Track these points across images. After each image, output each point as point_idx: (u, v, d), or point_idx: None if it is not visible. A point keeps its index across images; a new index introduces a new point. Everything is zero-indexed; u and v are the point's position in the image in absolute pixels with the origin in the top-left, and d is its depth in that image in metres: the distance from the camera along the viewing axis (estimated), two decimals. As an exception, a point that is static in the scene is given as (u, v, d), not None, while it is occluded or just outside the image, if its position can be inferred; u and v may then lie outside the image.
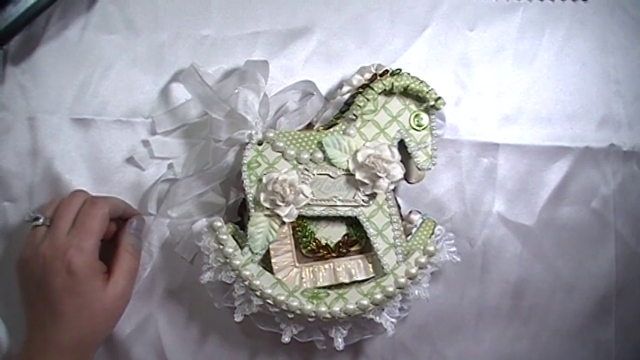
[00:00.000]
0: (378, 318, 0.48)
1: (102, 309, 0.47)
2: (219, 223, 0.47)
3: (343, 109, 0.50)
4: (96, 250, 0.47)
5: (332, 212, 0.48)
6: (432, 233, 0.49)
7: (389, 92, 0.49)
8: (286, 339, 0.48)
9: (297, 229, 0.49)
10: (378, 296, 0.47)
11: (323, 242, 0.50)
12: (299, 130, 0.50)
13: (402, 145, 0.49)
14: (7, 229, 0.52)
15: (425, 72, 0.52)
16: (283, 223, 0.48)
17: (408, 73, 0.49)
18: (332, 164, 0.48)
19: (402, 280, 0.48)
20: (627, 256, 0.57)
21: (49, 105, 0.52)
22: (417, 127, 0.49)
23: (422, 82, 0.49)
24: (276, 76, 0.53)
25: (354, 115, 0.48)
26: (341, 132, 0.49)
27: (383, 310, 0.48)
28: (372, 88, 0.48)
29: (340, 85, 0.50)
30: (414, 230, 0.49)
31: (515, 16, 0.56)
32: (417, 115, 0.49)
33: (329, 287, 0.49)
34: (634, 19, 0.58)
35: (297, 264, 0.49)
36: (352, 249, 0.50)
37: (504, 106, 0.56)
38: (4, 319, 0.53)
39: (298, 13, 0.54)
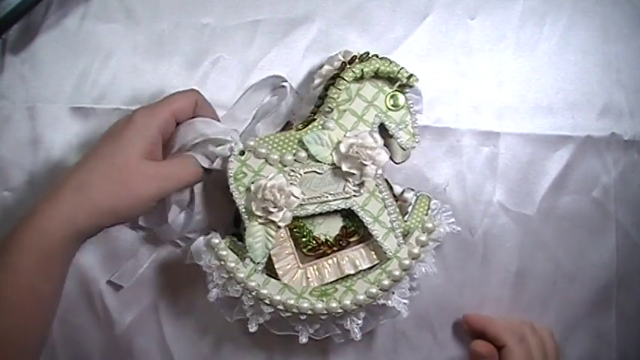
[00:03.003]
0: (390, 302, 0.47)
1: (127, 173, 0.43)
2: (216, 240, 0.46)
3: (318, 103, 0.49)
4: (161, 126, 0.45)
5: (325, 208, 0.48)
6: (429, 208, 0.49)
7: (360, 78, 0.48)
8: (304, 340, 0.48)
9: (295, 230, 0.48)
10: (386, 282, 0.47)
11: (322, 238, 0.49)
12: (278, 133, 0.49)
13: (382, 128, 0.48)
14: (7, 218, 0.52)
15: (426, 60, 0.52)
16: (279, 227, 0.47)
17: (376, 55, 0.48)
18: (317, 161, 0.47)
19: (407, 262, 0.47)
20: (628, 246, 0.57)
21: (49, 94, 0.52)
22: (394, 108, 0.48)
23: (391, 62, 0.48)
24: (276, 64, 0.53)
25: (330, 107, 0.47)
26: (320, 127, 0.48)
27: (393, 293, 0.48)
28: (343, 78, 0.47)
29: (311, 79, 0.50)
30: (410, 208, 0.49)
31: (517, 4, 0.56)
32: (392, 96, 0.48)
33: (335, 281, 0.48)
34: (636, 8, 0.57)
35: (300, 265, 0.49)
36: (352, 240, 0.49)
37: (505, 95, 0.55)
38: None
39: (299, 1, 0.54)
